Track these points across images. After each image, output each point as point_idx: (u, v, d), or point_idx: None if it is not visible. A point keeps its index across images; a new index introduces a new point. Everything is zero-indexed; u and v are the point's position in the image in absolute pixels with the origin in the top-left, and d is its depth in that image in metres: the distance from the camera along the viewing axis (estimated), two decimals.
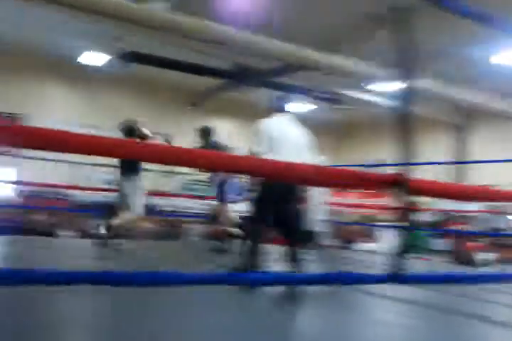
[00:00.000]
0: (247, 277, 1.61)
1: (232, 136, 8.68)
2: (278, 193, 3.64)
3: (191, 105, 12.03)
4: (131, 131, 5.39)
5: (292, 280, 1.66)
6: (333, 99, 11.54)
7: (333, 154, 14.75)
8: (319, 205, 6.93)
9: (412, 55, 1.74)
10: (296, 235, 3.69)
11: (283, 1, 7.40)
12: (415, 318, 3.00)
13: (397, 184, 1.71)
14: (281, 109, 3.94)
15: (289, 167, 1.49)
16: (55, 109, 11.56)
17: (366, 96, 11.08)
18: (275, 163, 1.59)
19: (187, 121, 11.47)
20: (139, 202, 5.40)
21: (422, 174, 2.42)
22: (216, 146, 5.67)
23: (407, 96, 1.80)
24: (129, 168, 5.33)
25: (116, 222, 5.13)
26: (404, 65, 1.78)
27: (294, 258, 3.55)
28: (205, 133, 5.91)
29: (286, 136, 3.72)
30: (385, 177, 1.71)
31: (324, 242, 7.17)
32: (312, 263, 5.31)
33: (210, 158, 1.54)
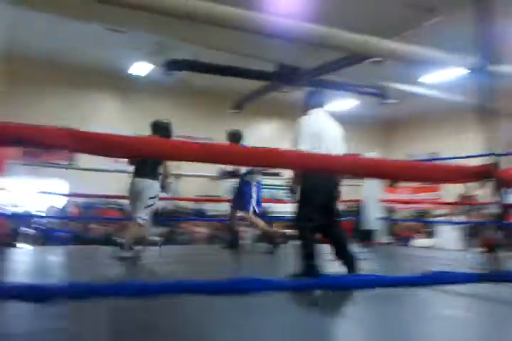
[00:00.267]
0: (331, 281, 1.53)
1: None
2: (327, 192, 3.65)
3: (235, 108, 12.05)
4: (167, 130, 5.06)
5: (380, 283, 1.56)
6: (380, 94, 11.32)
7: (383, 149, 14.53)
8: (375, 203, 6.81)
9: (491, 39, 1.63)
10: (341, 233, 3.68)
11: None
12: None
13: (489, 175, 1.60)
14: (317, 105, 3.90)
15: (380, 163, 1.41)
16: (105, 121, 11.82)
17: (415, 89, 10.83)
18: (362, 160, 1.50)
19: (232, 125, 11.51)
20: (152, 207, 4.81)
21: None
22: None
23: (485, 84, 1.68)
24: (147, 169, 4.71)
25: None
26: (484, 50, 1.67)
27: (346, 258, 3.55)
28: (235, 137, 5.93)
29: (326, 131, 3.74)
30: (477, 169, 1.60)
31: (381, 240, 7.02)
32: (374, 262, 5.23)
33: (292, 157, 1.47)
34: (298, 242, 3.59)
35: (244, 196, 5.64)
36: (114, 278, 3.63)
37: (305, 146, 3.54)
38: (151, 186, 4.68)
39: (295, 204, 3.70)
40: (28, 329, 2.09)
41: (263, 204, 12.23)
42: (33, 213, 9.27)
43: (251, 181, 5.68)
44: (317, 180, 3.58)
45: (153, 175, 4.72)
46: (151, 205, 4.72)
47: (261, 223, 5.71)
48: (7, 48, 8.02)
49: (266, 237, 5.82)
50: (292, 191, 3.73)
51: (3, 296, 1.08)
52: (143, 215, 4.63)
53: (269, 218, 11.39)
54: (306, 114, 3.84)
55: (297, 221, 3.64)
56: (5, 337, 1.95)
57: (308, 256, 3.48)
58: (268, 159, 1.52)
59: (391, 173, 1.39)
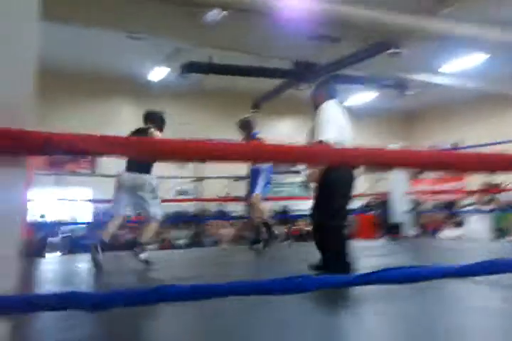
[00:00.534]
0: (376, 276, 1.46)
1: None
2: (349, 185, 3.54)
3: (254, 108, 12.01)
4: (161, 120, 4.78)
5: (429, 275, 1.49)
6: (399, 86, 11.19)
7: (406, 140, 14.35)
8: (402, 195, 6.71)
9: None
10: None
11: None
12: None
13: None
14: (333, 95, 3.80)
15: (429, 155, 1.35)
16: (123, 126, 11.86)
17: (435, 79, 10.67)
18: (403, 152, 1.44)
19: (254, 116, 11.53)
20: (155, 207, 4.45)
21: None
22: (257, 138, 5.66)
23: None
24: (141, 164, 4.34)
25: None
26: None
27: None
28: (246, 125, 5.81)
29: (346, 121, 3.66)
30: None
31: (408, 233, 6.92)
32: (404, 256, 5.14)
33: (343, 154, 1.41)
34: (326, 239, 3.50)
35: (253, 181, 5.51)
36: (145, 283, 3.61)
37: (331, 135, 3.39)
38: (151, 179, 4.40)
39: (319, 200, 3.57)
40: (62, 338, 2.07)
41: (285, 203, 12.19)
42: (59, 222, 9.37)
43: (259, 167, 5.52)
44: (346, 175, 3.49)
45: (149, 169, 4.41)
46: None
47: (264, 210, 5.53)
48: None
49: (262, 226, 5.53)
50: (308, 186, 3.66)
51: (33, 306, 1.04)
52: (158, 210, 4.39)
53: (292, 216, 11.45)
54: (322, 104, 3.68)
55: (329, 218, 3.46)
56: None
57: (343, 253, 3.40)
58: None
59: (452, 164, 1.32)
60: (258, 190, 5.42)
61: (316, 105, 3.73)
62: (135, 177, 4.32)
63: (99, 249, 4.06)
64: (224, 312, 2.42)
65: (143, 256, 4.21)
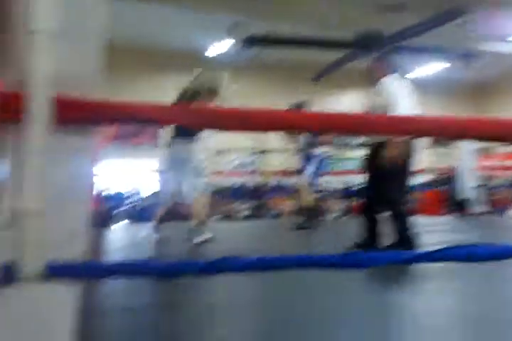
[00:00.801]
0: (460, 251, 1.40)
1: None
2: (410, 160, 3.44)
3: (315, 80, 11.81)
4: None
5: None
6: (468, 56, 10.66)
7: (478, 113, 13.75)
8: (470, 170, 6.47)
9: None
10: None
11: None
12: None
13: None
14: (394, 70, 3.66)
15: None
16: None
17: (506, 48, 10.09)
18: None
19: (311, 96, 11.38)
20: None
21: None
22: None
23: None
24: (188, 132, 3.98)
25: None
26: None
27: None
28: (299, 107, 5.58)
29: (411, 95, 3.53)
30: None
31: (476, 209, 6.68)
32: (472, 234, 4.97)
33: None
34: (390, 215, 3.43)
35: (303, 166, 5.44)
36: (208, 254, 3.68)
37: (405, 110, 3.30)
38: (198, 152, 4.11)
39: (380, 178, 3.45)
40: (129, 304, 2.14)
41: (346, 179, 12.03)
42: (125, 193, 9.68)
43: (310, 153, 5.43)
44: (407, 150, 3.39)
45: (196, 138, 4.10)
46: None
47: (308, 196, 5.38)
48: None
49: (306, 210, 5.43)
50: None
51: (102, 273, 1.07)
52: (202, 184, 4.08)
53: (353, 191, 11.31)
54: (383, 78, 3.59)
55: (394, 194, 3.41)
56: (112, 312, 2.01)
57: (408, 228, 3.36)
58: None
59: None
60: (305, 176, 5.35)
61: (375, 78, 3.62)
62: (181, 149, 3.98)
63: (159, 221, 4.15)
64: (282, 286, 2.43)
65: (199, 239, 3.94)
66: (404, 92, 3.47)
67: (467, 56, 10.94)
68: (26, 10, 0.98)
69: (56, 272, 0.98)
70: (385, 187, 3.41)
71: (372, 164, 3.52)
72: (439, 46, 10.44)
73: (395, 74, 3.63)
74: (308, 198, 5.37)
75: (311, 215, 5.32)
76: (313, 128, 1.54)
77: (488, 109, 14.44)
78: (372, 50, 9.95)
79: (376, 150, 3.43)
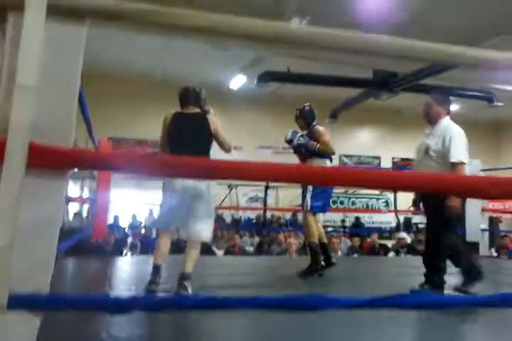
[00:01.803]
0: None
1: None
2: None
3: (331, 117, 11.96)
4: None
5: None
6: (487, 97, 10.72)
7: (492, 155, 13.70)
8: (478, 212, 6.42)
9: None
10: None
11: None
12: None
13: None
14: (449, 111, 3.60)
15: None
16: None
17: None
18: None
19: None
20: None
21: None
22: (316, 130, 4.83)
23: None
24: (199, 147, 3.35)
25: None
26: None
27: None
28: (306, 114, 5.11)
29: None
30: None
31: (485, 253, 6.61)
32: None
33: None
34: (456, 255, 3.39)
35: (303, 191, 4.61)
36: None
37: (465, 158, 3.32)
38: (213, 186, 3.39)
39: (434, 219, 3.39)
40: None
41: (358, 215, 11.88)
42: (137, 224, 9.81)
43: (317, 188, 4.56)
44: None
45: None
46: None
47: (313, 228, 4.45)
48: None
49: (311, 249, 4.50)
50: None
51: (64, 306, 1.15)
52: (209, 229, 3.36)
53: (366, 229, 11.24)
54: (444, 120, 3.52)
55: (449, 235, 3.35)
56: None
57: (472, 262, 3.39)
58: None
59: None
60: (306, 202, 4.52)
61: (433, 119, 3.53)
62: (192, 182, 3.19)
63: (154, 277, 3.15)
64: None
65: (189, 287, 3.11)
66: (462, 137, 3.42)
67: (485, 97, 10.99)
68: (8, 65, 1.11)
69: (18, 304, 1.07)
70: (442, 233, 3.33)
71: (429, 209, 3.47)
72: (456, 86, 10.52)
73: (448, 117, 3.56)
74: (314, 235, 4.48)
75: (315, 255, 4.43)
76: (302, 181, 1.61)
77: (506, 150, 14.39)
78: (389, 89, 10.10)
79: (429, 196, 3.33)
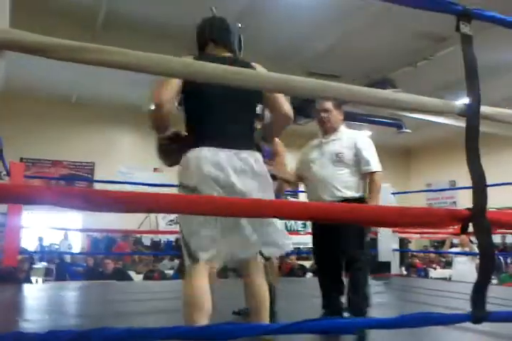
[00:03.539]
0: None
1: None
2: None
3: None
4: None
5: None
6: (396, 124, 11.34)
7: (401, 178, 14.40)
8: (390, 234, 6.70)
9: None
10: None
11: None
12: None
13: (473, 219, 1.55)
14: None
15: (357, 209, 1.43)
16: (125, 156, 12.17)
17: (433, 118, 10.80)
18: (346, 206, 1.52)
19: None
20: None
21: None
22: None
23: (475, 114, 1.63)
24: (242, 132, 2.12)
25: None
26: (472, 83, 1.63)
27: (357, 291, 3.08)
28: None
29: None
30: (457, 213, 1.57)
31: (396, 272, 6.90)
32: (386, 295, 5.12)
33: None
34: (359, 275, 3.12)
35: None
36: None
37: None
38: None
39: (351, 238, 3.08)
40: None
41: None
42: (48, 248, 9.38)
43: None
44: None
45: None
46: None
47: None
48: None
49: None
50: None
51: None
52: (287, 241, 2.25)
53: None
54: (346, 129, 3.38)
55: (364, 253, 3.18)
56: None
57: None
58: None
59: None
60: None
61: (334, 126, 3.27)
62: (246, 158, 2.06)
63: None
64: None
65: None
66: (372, 145, 3.32)
67: (394, 124, 11.63)
68: None
69: None
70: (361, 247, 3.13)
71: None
72: (368, 113, 11.06)
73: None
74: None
75: None
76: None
77: (415, 174, 15.23)
78: (307, 115, 10.41)
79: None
